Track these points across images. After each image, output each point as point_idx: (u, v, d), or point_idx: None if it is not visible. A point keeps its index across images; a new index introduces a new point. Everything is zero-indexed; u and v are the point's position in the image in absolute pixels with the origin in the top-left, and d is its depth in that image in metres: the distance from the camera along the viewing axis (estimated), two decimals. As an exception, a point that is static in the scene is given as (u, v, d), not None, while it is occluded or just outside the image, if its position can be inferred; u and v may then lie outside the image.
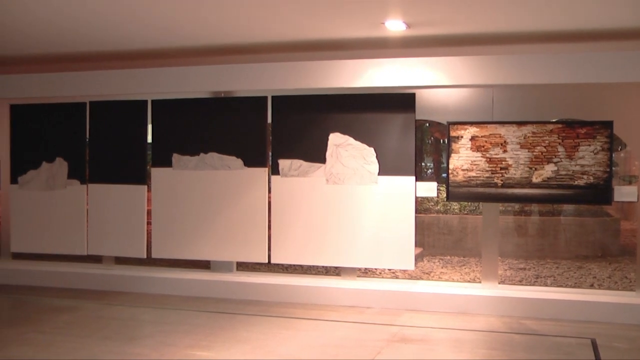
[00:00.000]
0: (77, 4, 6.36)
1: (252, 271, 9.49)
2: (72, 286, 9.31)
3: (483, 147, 7.92)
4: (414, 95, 8.14)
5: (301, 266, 9.83)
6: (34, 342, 6.61)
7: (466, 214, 14.49)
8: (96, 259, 9.74)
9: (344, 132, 8.33)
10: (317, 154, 8.40)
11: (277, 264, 9.08)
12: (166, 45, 8.18)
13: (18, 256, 10.12)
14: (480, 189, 7.96)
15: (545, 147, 7.75)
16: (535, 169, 7.76)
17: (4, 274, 9.77)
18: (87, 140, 9.45)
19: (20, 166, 9.77)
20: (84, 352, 6.23)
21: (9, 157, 9.88)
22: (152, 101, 9.11)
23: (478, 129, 7.95)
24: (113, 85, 9.17)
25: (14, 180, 9.80)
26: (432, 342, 6.76)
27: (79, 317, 7.70)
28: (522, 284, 9.84)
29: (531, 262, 11.55)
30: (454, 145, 8.01)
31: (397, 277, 9.96)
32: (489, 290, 8.13)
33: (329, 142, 8.36)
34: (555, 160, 7.73)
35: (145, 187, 9.16)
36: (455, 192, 8.05)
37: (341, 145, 8.31)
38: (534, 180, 7.78)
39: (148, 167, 9.23)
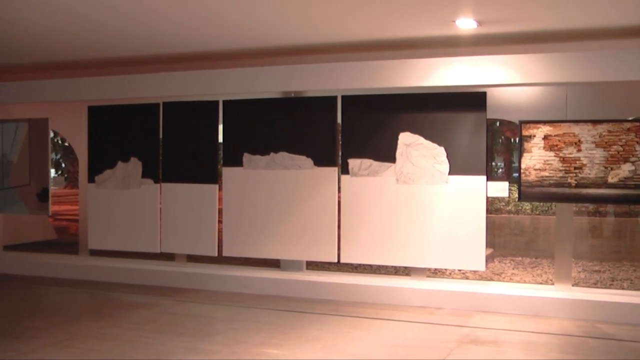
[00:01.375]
0: (153, 9, 6.50)
1: (322, 270, 9.52)
2: (146, 283, 9.52)
3: (556, 146, 7.77)
4: (485, 94, 8.04)
5: (370, 266, 9.81)
6: (111, 336, 6.79)
7: (538, 214, 14.25)
8: (169, 257, 9.93)
9: (414, 132, 8.28)
10: (387, 154, 8.38)
11: (347, 264, 9.09)
12: (237, 46, 8.28)
13: (95, 253, 10.41)
14: (553, 189, 7.81)
15: (621, 146, 7.54)
16: (611, 169, 7.57)
17: (82, 270, 10.06)
18: (161, 140, 9.66)
19: (97, 166, 10.04)
20: (158, 348, 6.36)
21: (86, 157, 10.17)
22: (224, 101, 9.24)
23: (551, 128, 7.79)
24: (185, 86, 9.33)
25: (91, 179, 10.09)
26: (503, 344, 6.66)
27: (153, 313, 7.87)
28: (597, 287, 9.61)
29: (606, 264, 11.27)
30: (526, 145, 7.88)
31: (467, 278, 9.85)
32: (562, 292, 7.97)
33: (399, 142, 8.32)
34: (632, 159, 7.52)
35: (217, 186, 9.30)
36: (527, 192, 7.92)
37: (411, 145, 8.27)
38: (610, 180, 7.58)
39: (219, 166, 9.36)
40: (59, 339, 6.65)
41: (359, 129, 8.57)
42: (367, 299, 8.43)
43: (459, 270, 10.07)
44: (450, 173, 8.11)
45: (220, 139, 9.34)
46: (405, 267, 9.11)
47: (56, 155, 30.39)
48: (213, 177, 9.28)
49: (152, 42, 8.09)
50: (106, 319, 7.59)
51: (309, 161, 8.73)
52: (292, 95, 9.05)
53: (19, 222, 12.12)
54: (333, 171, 8.65)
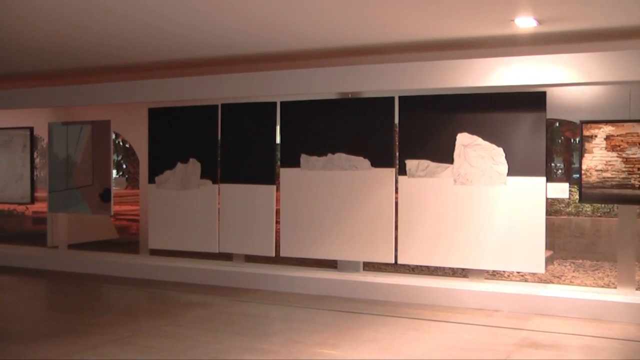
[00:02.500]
0: (212, 12, 6.60)
1: (379, 271, 9.51)
2: (204, 282, 9.64)
3: (619, 146, 7.60)
4: (544, 93, 7.92)
5: (428, 267, 9.76)
6: (170, 334, 6.90)
7: (599, 216, 13.98)
8: (227, 257, 10.04)
9: (472, 132, 8.21)
10: (444, 154, 8.32)
11: (404, 265, 9.06)
12: (295, 48, 8.32)
13: (155, 252, 10.60)
14: (616, 191, 7.65)
15: (687, 146, 7.36)
16: (677, 170, 7.38)
17: (142, 269, 10.24)
18: (219, 141, 9.77)
19: (157, 167, 10.21)
20: (216, 346, 6.44)
21: (147, 158, 10.36)
22: (281, 103, 9.30)
23: (613, 128, 7.64)
24: (243, 87, 9.42)
25: (151, 180, 10.27)
26: (563, 348, 6.55)
27: (212, 313, 7.97)
28: (662, 291, 9.36)
29: (672, 267, 10.97)
30: (588, 145, 7.74)
31: (526, 280, 9.72)
32: (625, 296, 7.79)
33: (457, 142, 8.26)
34: (698, 160, 7.32)
35: (274, 187, 9.37)
36: (588, 194, 7.78)
37: (469, 146, 8.20)
38: (675, 181, 7.39)
39: (277, 167, 9.43)
40: (120, 336, 6.79)
41: (417, 129, 8.53)
42: (424, 300, 8.38)
43: (518, 272, 9.94)
44: (508, 174, 8.01)
45: (278, 140, 9.41)
46: (463, 269, 9.03)
47: (117, 156, 31.00)
48: (271, 178, 9.36)
49: (211, 45, 8.19)
50: (165, 317, 7.72)
51: (366, 162, 8.73)
52: (349, 96, 9.06)
53: (83, 222, 12.41)
54: (390, 172, 8.63)
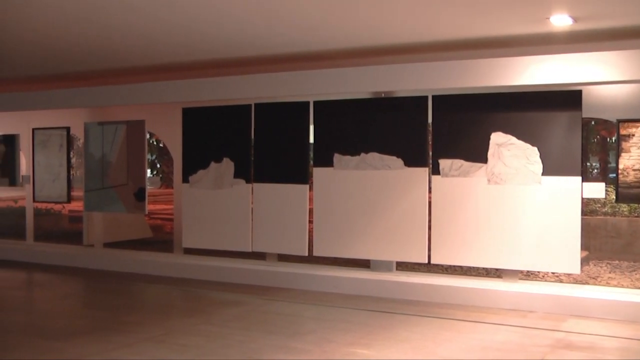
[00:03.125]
0: (245, 11, 6.63)
1: (412, 271, 9.47)
2: (238, 281, 9.68)
3: (657, 146, 7.49)
4: (580, 92, 7.82)
5: (461, 267, 9.70)
6: (204, 333, 6.95)
7: (637, 216, 13.78)
8: (260, 256, 10.08)
9: (506, 132, 8.14)
10: (478, 154, 8.27)
11: (437, 265, 9.02)
12: (328, 47, 8.33)
13: (189, 251, 10.68)
14: (654, 191, 7.53)
15: None
16: None
17: (176, 268, 10.32)
18: (252, 141, 9.81)
19: (191, 166, 10.29)
20: (249, 345, 6.47)
21: (181, 158, 10.44)
22: (314, 102, 9.32)
23: (651, 127, 7.52)
24: (277, 87, 9.45)
25: (185, 179, 10.35)
26: (600, 350, 6.47)
27: (245, 311, 8.01)
28: (701, 292, 9.20)
29: None
30: (625, 144, 7.64)
31: (561, 281, 9.61)
32: (662, 297, 7.67)
33: (491, 142, 8.20)
34: None
35: (307, 186, 9.39)
36: (625, 194, 7.67)
37: (503, 145, 8.14)
38: None
39: (310, 167, 9.45)
40: (155, 334, 6.85)
41: (450, 129, 8.49)
42: (458, 300, 8.33)
43: (553, 273, 9.83)
44: (543, 173, 7.94)
45: (311, 140, 9.42)
46: (497, 269, 8.96)
47: (152, 155, 31.28)
48: (304, 178, 9.38)
49: (244, 45, 8.23)
50: (199, 315, 7.77)
51: (399, 161, 8.71)
52: (383, 95, 9.05)
53: (118, 221, 12.56)
54: (424, 171, 8.60)
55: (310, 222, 9.38)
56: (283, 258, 9.99)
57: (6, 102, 12.23)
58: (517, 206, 8.07)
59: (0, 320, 7.70)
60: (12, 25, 7.26)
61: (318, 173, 9.27)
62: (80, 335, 6.85)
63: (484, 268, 9.51)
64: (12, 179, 12.83)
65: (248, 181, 9.78)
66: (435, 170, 8.53)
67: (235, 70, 9.85)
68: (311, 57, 8.98)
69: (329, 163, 9.14)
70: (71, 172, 12.26)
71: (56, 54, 8.91)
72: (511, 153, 8.08)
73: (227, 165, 9.93)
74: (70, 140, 12.02)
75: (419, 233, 8.60)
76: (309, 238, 9.39)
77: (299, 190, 9.36)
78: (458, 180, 8.38)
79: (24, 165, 12.70)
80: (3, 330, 7.21)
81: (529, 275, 9.89)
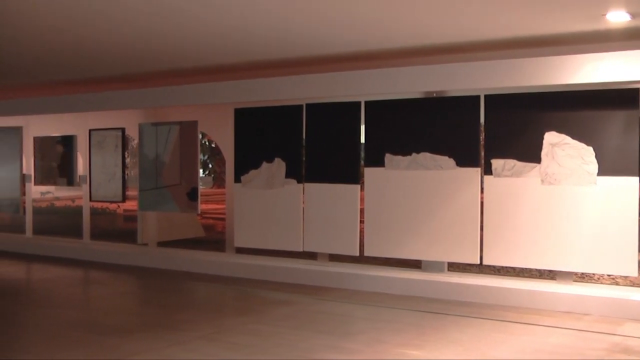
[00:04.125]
0: (294, 14, 6.66)
1: (463, 272, 9.39)
2: (289, 281, 9.72)
3: None
4: (637, 90, 7.66)
5: (513, 268, 9.59)
6: (256, 332, 7.00)
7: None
8: (311, 256, 10.11)
9: (560, 131, 8.01)
10: (531, 154, 8.16)
11: (489, 266, 8.92)
12: (380, 47, 8.31)
13: (240, 250, 10.77)
14: None
15: None
16: None
17: (228, 267, 10.42)
18: (304, 141, 9.85)
19: (242, 166, 10.37)
20: (300, 345, 6.49)
21: (233, 158, 10.54)
22: (366, 102, 9.31)
23: None
24: (328, 87, 9.47)
25: (237, 179, 10.44)
26: (658, 354, 6.32)
27: (296, 311, 8.04)
28: None
29: None
30: (684, 144, 7.44)
31: (617, 284, 9.42)
32: None
33: (545, 141, 8.08)
34: None
35: (359, 186, 9.38)
36: (685, 194, 7.47)
37: (557, 145, 8.01)
38: None
39: (361, 167, 9.44)
40: (207, 332, 6.93)
41: (503, 128, 8.40)
42: (510, 302, 8.22)
43: (608, 275, 9.64)
44: (599, 174, 7.79)
45: (362, 140, 9.42)
46: (550, 271, 8.83)
47: (204, 156, 31.63)
48: (355, 178, 9.38)
49: (295, 45, 8.26)
50: (250, 314, 7.83)
51: (451, 161, 8.65)
52: (434, 95, 8.99)
53: (171, 220, 12.74)
54: (476, 172, 8.53)
55: (362, 222, 9.38)
56: (334, 258, 10.00)
57: (64, 104, 12.53)
58: (572, 207, 7.94)
59: (59, 316, 7.89)
60: (75, 30, 7.42)
61: (369, 173, 9.26)
62: (134, 332, 6.97)
63: (537, 269, 9.37)
64: (70, 179, 13.11)
65: (299, 181, 9.82)
66: (488, 171, 8.44)
67: (287, 70, 9.90)
68: (363, 57, 8.98)
69: (380, 163, 9.12)
70: (126, 172, 12.47)
71: (112, 57, 9.08)
72: (565, 153, 7.95)
73: (279, 165, 9.98)
74: (125, 141, 12.23)
75: (471, 234, 8.53)
76: (360, 238, 9.38)
77: (351, 190, 9.36)
78: (511, 181, 8.28)
79: (81, 165, 12.97)
80: (62, 326, 7.38)
81: (583, 277, 9.71)
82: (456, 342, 6.63)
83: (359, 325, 7.59)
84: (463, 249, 8.59)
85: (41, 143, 13.49)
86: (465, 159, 8.58)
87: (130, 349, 6.36)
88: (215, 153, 31.28)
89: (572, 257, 7.95)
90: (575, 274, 8.62)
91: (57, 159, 13.24)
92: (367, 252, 9.34)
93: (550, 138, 8.06)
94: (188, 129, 11.04)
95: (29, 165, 13.67)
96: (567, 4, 6.30)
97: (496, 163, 8.37)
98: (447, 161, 8.67)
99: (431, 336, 6.85)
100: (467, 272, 9.41)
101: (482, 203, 8.52)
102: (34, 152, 13.57)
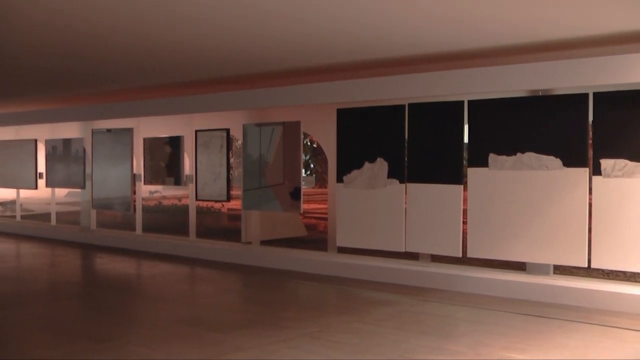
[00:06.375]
0: (397, 13, 6.64)
1: (570, 275, 9.12)
2: (391, 281, 9.71)
3: None
4: None
5: (624, 273, 9.25)
6: (358, 331, 7.03)
7: None
8: (412, 256, 10.06)
9: (675, 130, 7.69)
10: (644, 154, 7.86)
11: (597, 269, 8.64)
12: (483, 45, 8.17)
13: (342, 250, 10.83)
14: None
15: None
16: None
17: (330, 266, 10.49)
18: (406, 141, 9.81)
19: (345, 166, 10.43)
20: (402, 345, 6.48)
21: (335, 158, 10.61)
22: (469, 101, 9.19)
23: None
24: (430, 87, 9.41)
25: (339, 179, 10.50)
26: None
27: (398, 311, 8.03)
28: None
29: None
30: None
31: None
32: None
33: (658, 141, 7.77)
34: None
35: (462, 186, 9.27)
36: None
37: (672, 144, 7.68)
38: None
39: (464, 167, 9.33)
40: (310, 331, 7.01)
41: (613, 127, 8.12)
42: (621, 307, 7.92)
43: None
44: None
45: (465, 139, 9.30)
46: (665, 276, 8.48)
47: (305, 156, 31.96)
48: (458, 178, 9.27)
49: (398, 45, 8.23)
50: (353, 314, 7.86)
51: (557, 162, 8.42)
52: (540, 93, 8.78)
53: (274, 219, 12.95)
54: (584, 172, 8.28)
55: (464, 222, 9.26)
56: (436, 259, 9.92)
57: (172, 106, 12.95)
58: (688, 209, 7.59)
59: (168, 311, 8.16)
60: (181, 35, 7.66)
61: (473, 173, 9.13)
62: (238, 328, 7.13)
63: (650, 274, 9.01)
64: (177, 179, 13.51)
65: (402, 181, 9.79)
66: (597, 171, 8.17)
67: (389, 70, 9.88)
68: (466, 56, 8.85)
69: (483, 163, 8.99)
70: (230, 172, 12.75)
71: (218, 59, 9.30)
72: (681, 153, 7.61)
73: (381, 165, 9.98)
74: (229, 141, 12.50)
75: (579, 236, 8.28)
76: (463, 239, 9.27)
77: (453, 190, 9.27)
78: (621, 181, 7.99)
79: (187, 165, 13.35)
80: (171, 320, 7.63)
81: (700, 283, 9.27)
82: (562, 347, 6.46)
83: (462, 327, 7.50)
84: (570, 251, 8.35)
85: (150, 143, 13.97)
86: (572, 159, 8.34)
87: (234, 344, 6.51)
88: (316, 153, 31.56)
89: (688, 262, 7.60)
90: (691, 279, 8.24)
91: (165, 159, 13.67)
92: (470, 254, 9.22)
93: (665, 137, 7.74)
94: (291, 129, 11.19)
95: (139, 165, 14.16)
96: (683, -3, 6.03)
97: (605, 163, 8.10)
98: (554, 161, 8.45)
99: (536, 340, 6.70)
100: (574, 275, 9.13)
101: (590, 204, 8.26)
102: (144, 153, 14.06)
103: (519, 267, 9.29)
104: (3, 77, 11.26)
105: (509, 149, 8.79)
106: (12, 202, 19.08)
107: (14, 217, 18.20)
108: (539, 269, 8.87)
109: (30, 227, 16.89)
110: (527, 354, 6.25)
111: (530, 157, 8.62)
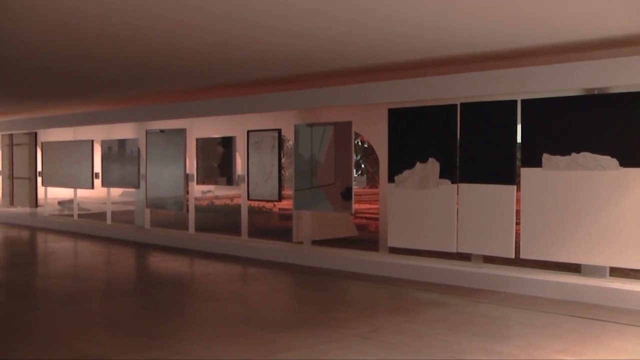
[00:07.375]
0: (451, 12, 6.60)
1: (627, 277, 8.93)
2: (442, 281, 9.64)
3: None
4: None
5: (683, 275, 9.03)
6: (409, 331, 7.01)
7: None
8: (465, 257, 9.98)
9: None
10: None
11: (656, 272, 8.46)
12: (535, 43, 8.06)
13: (394, 250, 10.80)
14: None
15: None
16: None
17: (382, 266, 10.47)
18: (458, 140, 9.73)
19: (396, 166, 10.40)
20: (454, 346, 6.43)
21: (386, 158, 10.59)
22: (522, 101, 9.07)
23: None
24: (482, 86, 9.32)
25: (391, 179, 10.47)
26: None
27: (449, 312, 7.97)
28: None
29: None
30: None
31: None
32: None
33: None
34: None
35: (515, 187, 9.16)
36: None
37: None
38: None
39: (517, 167, 9.21)
40: (362, 331, 7.00)
41: (672, 126, 7.93)
42: (680, 311, 7.75)
43: None
44: None
45: (519, 139, 9.18)
46: None
47: (356, 156, 31.93)
48: (511, 178, 9.17)
49: (450, 44, 8.18)
50: (404, 314, 7.83)
51: (613, 162, 8.25)
52: (595, 92, 8.62)
53: (325, 219, 12.98)
54: (641, 172, 8.11)
55: (517, 223, 9.15)
56: (488, 260, 9.82)
57: (225, 107, 13.08)
58: None
59: (220, 310, 8.25)
60: (230, 36, 7.74)
61: (526, 173, 9.01)
62: (289, 328, 7.17)
63: None
64: (229, 179, 13.64)
65: (453, 181, 9.72)
66: (655, 171, 8.00)
67: (440, 69, 9.81)
68: (518, 54, 8.74)
69: (537, 163, 8.86)
70: (282, 172, 12.81)
71: (269, 60, 9.37)
72: None
73: (433, 166, 9.92)
74: (281, 142, 12.57)
75: (636, 238, 8.10)
76: (515, 240, 9.15)
77: (506, 190, 9.16)
78: (681, 182, 7.80)
79: (239, 165, 13.47)
80: (223, 319, 7.71)
81: None
82: (619, 352, 6.34)
83: (515, 329, 7.41)
84: (627, 253, 8.18)
85: (203, 144, 14.13)
86: (629, 159, 8.17)
87: (285, 343, 6.54)
88: (367, 153, 31.52)
89: None
90: None
91: (218, 159, 13.82)
92: (523, 255, 9.10)
93: None
94: (342, 129, 11.20)
95: (192, 165, 14.34)
96: None
97: (664, 163, 7.92)
98: (610, 161, 8.29)
99: (591, 344, 6.58)
100: (631, 278, 8.94)
101: (648, 205, 8.10)
102: (197, 153, 14.23)
103: (573, 268, 9.13)
104: (61, 80, 11.53)
105: (564, 149, 8.65)
106: (70, 202, 19.53)
107: (72, 216, 18.61)
108: (595, 271, 8.71)
109: (87, 225, 17.24)
110: (581, 357, 6.15)
111: (585, 157, 8.47)
